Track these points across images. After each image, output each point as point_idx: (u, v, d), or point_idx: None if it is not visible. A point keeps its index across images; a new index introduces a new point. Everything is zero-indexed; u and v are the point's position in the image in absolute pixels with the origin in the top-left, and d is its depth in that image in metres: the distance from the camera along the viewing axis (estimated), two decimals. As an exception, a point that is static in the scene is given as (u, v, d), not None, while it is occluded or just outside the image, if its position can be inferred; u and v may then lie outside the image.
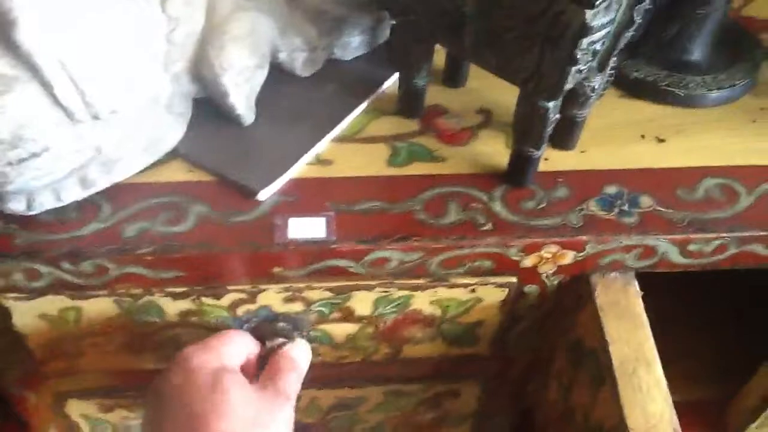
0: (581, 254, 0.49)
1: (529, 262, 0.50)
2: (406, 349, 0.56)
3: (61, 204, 0.47)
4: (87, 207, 0.48)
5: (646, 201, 0.51)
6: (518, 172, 0.50)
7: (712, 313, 0.75)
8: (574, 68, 0.42)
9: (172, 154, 0.51)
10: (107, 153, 0.47)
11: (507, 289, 0.51)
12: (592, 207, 0.50)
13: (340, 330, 0.53)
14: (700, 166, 0.54)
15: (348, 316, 0.52)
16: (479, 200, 0.50)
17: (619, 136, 0.56)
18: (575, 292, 0.52)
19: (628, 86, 0.59)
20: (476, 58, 0.49)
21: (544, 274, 0.51)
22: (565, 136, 0.53)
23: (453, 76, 0.58)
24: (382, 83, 0.58)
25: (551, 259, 0.50)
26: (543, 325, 0.55)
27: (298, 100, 0.56)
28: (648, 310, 0.50)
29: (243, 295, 0.50)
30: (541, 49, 0.42)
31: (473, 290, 0.51)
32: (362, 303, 0.51)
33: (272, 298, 0.50)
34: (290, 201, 0.49)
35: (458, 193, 0.51)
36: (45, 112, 0.42)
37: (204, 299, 0.50)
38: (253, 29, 0.51)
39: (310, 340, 0.53)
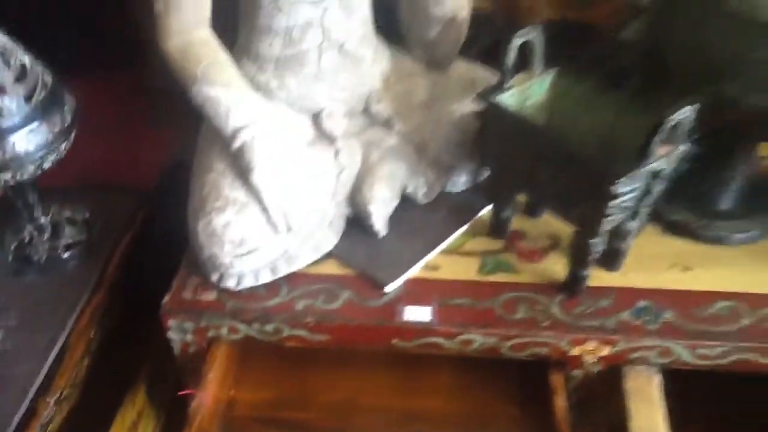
0: (614, 349, 0.68)
1: (575, 351, 0.68)
2: None
3: (257, 284, 0.70)
4: (273, 287, 0.71)
5: (668, 314, 0.69)
6: (572, 286, 0.70)
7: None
8: (607, 220, 0.62)
9: (328, 255, 0.74)
10: (290, 252, 0.70)
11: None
12: (626, 316, 0.69)
13: None
14: (714, 291, 0.71)
15: None
16: (542, 303, 0.70)
17: (655, 264, 0.74)
18: (610, 378, 0.69)
19: (668, 226, 0.78)
20: (546, 205, 0.69)
21: (587, 362, 0.69)
22: (611, 261, 0.72)
23: (532, 210, 0.79)
24: (480, 211, 0.79)
25: (592, 351, 0.68)
26: (587, 406, 0.72)
27: (418, 220, 0.78)
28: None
29: None
30: (586, 206, 0.63)
31: None
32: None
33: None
34: (408, 294, 0.71)
35: (527, 298, 0.70)
36: (261, 226, 0.66)
37: None
38: (392, 173, 0.75)
39: None
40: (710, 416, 0.85)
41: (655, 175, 0.62)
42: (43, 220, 0.81)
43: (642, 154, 0.59)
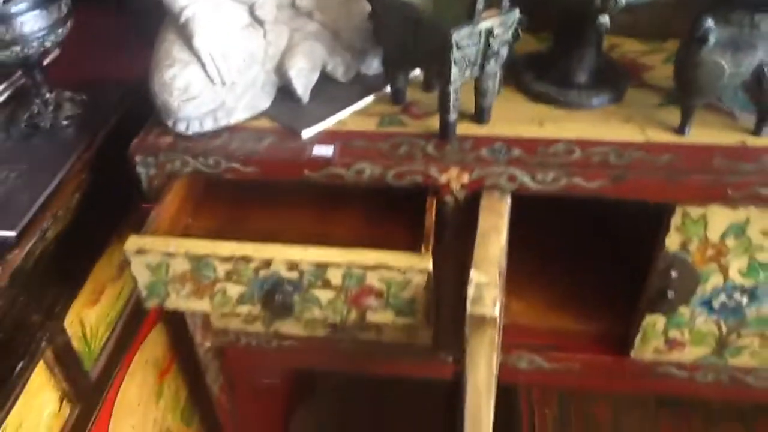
0: (472, 176, 0.88)
1: (443, 179, 0.89)
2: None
3: (203, 130, 0.92)
4: (215, 133, 0.93)
5: (516, 152, 0.89)
6: (443, 131, 0.90)
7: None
8: (455, 69, 0.82)
9: (262, 114, 0.96)
10: (228, 105, 0.92)
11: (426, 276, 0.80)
12: (483, 152, 0.89)
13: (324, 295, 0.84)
14: (558, 138, 0.91)
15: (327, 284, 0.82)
16: (419, 145, 0.90)
17: (517, 121, 0.94)
18: (474, 201, 0.89)
19: (533, 95, 0.98)
20: (421, 69, 0.90)
21: (455, 188, 0.89)
22: (479, 116, 0.93)
23: (427, 86, 0.99)
24: (386, 87, 1.00)
25: (456, 179, 0.88)
26: (461, 226, 0.92)
27: (337, 92, 0.99)
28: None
29: (260, 264, 0.82)
30: (442, 62, 0.83)
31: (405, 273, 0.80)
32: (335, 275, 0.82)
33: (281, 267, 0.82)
34: (319, 139, 0.92)
35: (409, 141, 0.91)
36: (200, 78, 0.88)
37: (242, 263, 0.82)
38: (311, 50, 0.96)
39: (305, 301, 0.84)
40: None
41: (489, 34, 0.82)
42: (47, 96, 1.04)
43: (469, 14, 0.80)
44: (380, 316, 0.86)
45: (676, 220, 0.88)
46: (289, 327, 1.10)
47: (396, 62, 0.94)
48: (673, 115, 0.93)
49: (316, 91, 0.98)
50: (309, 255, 0.82)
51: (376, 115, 0.96)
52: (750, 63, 0.81)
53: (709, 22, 0.80)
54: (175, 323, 1.22)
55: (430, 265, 0.81)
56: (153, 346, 1.24)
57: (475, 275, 0.78)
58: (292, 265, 0.83)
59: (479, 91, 0.90)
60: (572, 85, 0.97)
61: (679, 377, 1.07)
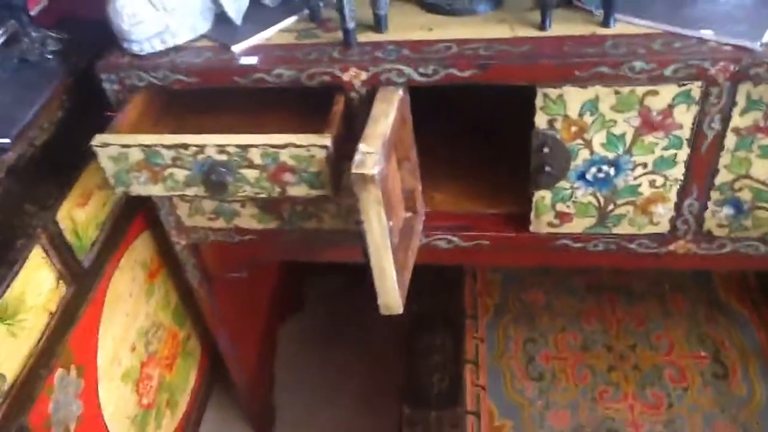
0: (369, 73, 1.07)
1: (346, 77, 1.08)
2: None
3: (153, 50, 1.13)
4: (164, 52, 1.13)
5: (405, 51, 1.08)
6: (345, 38, 1.10)
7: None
8: (343, -19, 1.02)
9: (203, 36, 1.16)
10: (172, 29, 1.12)
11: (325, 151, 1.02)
12: (378, 53, 1.08)
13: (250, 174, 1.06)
14: (440, 39, 1.09)
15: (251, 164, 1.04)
16: (327, 51, 1.10)
17: (411, 29, 1.12)
18: (373, 96, 1.09)
19: (427, 7, 1.16)
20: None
21: (356, 85, 1.09)
22: (377, 25, 1.12)
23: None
24: (304, 9, 1.19)
25: (356, 76, 1.08)
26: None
27: (268, 15, 1.19)
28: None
29: (196, 150, 1.04)
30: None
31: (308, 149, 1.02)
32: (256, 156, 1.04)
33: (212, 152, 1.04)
34: (246, 50, 1.12)
35: (321, 48, 1.11)
36: (145, 5, 1.08)
37: (182, 150, 1.06)
38: (241, -21, 1.16)
39: (236, 180, 1.07)
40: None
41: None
42: (34, 35, 1.26)
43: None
44: (298, 189, 1.07)
45: (539, 101, 1.07)
46: (246, 221, 1.32)
47: (306, -15, 1.14)
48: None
49: (250, 15, 1.18)
50: (232, 140, 1.03)
51: (296, 31, 1.16)
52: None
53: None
54: (161, 231, 1.44)
55: (328, 142, 1.01)
56: (141, 248, 1.47)
57: (361, 146, 0.98)
58: (221, 149, 1.04)
59: (372, 3, 1.09)
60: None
61: (574, 248, 1.26)
